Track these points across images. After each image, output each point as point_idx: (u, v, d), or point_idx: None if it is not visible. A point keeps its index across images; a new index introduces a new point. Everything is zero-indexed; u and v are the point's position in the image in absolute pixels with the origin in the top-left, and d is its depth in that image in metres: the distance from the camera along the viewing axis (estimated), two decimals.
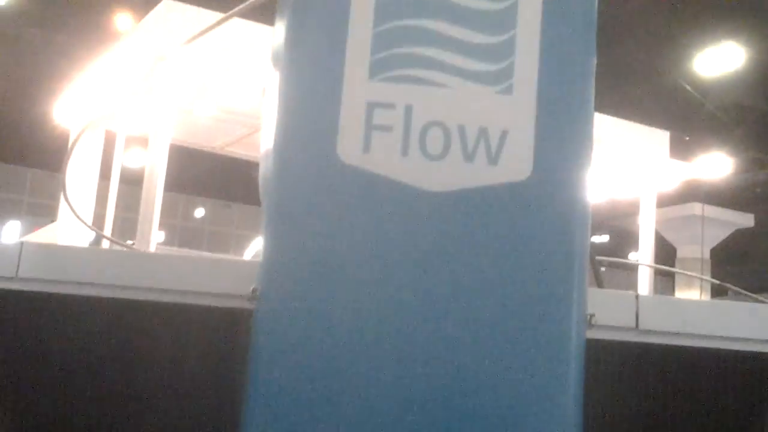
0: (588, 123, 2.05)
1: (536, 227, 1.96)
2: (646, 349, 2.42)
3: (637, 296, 2.43)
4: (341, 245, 1.93)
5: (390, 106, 1.97)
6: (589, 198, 2.00)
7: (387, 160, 1.95)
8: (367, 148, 1.95)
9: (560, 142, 2.01)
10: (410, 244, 1.93)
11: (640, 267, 9.96)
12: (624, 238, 17.43)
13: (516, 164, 1.97)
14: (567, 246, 1.96)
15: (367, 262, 1.92)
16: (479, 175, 1.96)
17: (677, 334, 2.43)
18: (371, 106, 1.97)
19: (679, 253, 17.50)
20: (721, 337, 2.46)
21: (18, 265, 2.40)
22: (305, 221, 1.94)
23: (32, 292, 2.41)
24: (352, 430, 1.86)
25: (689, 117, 15.03)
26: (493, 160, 1.97)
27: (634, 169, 9.79)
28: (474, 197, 1.95)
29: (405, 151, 1.95)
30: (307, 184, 1.95)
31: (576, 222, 1.98)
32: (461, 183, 1.95)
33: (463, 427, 1.87)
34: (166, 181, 6.83)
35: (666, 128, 9.91)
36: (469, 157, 1.96)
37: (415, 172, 1.95)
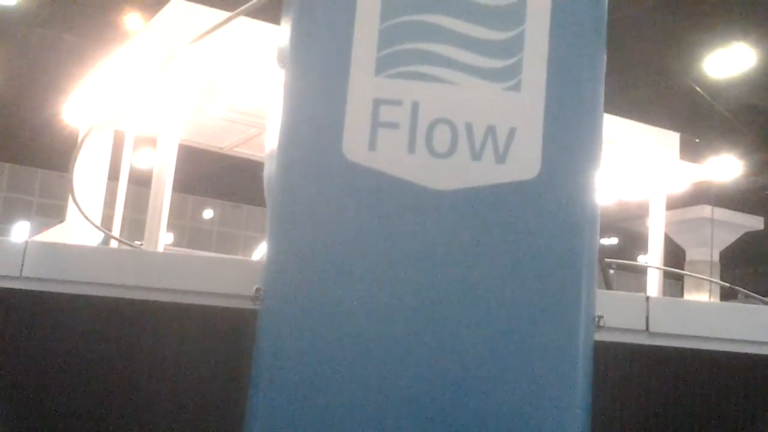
0: (597, 121, 2.02)
1: (544, 227, 1.93)
2: (656, 351, 2.40)
3: (647, 298, 2.40)
4: (346, 244, 1.90)
5: (396, 102, 1.95)
6: (598, 197, 1.97)
7: (393, 158, 1.92)
8: (373, 145, 1.93)
9: (569, 140, 1.98)
10: (416, 243, 1.91)
11: (649, 269, 9.92)
12: (633, 241, 17.39)
13: (524, 163, 1.94)
14: (575, 246, 1.93)
15: (372, 262, 1.90)
16: (486, 173, 1.93)
17: (688, 336, 2.41)
18: (377, 103, 1.95)
19: (689, 256, 17.47)
20: (733, 340, 2.43)
21: (22, 264, 2.39)
22: (309, 220, 1.91)
23: (36, 291, 2.39)
24: (357, 430, 1.83)
25: (699, 119, 14.97)
26: (500, 158, 1.94)
27: (643, 171, 9.74)
28: (481, 196, 1.93)
29: (411, 149, 1.93)
30: (312, 182, 1.93)
31: (584, 222, 1.95)
32: (468, 181, 1.93)
33: (468, 428, 1.84)
34: (174, 181, 6.82)
35: (676, 130, 9.87)
36: (476, 155, 1.94)
37: (422, 170, 1.92)
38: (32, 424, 2.43)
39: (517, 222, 1.93)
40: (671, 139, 9.71)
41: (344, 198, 1.93)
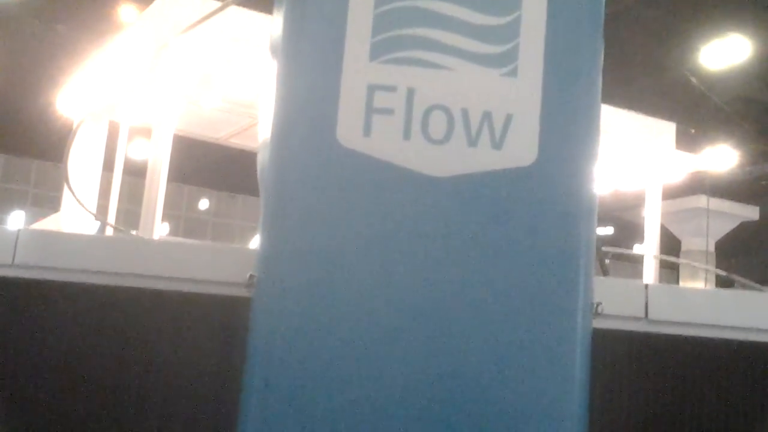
0: (595, 107, 2.00)
1: (541, 213, 1.91)
2: (655, 339, 2.39)
3: (646, 286, 2.39)
4: (340, 231, 1.88)
5: (391, 88, 1.93)
6: (595, 184, 1.95)
7: (388, 144, 1.90)
8: (367, 131, 1.91)
9: (567, 126, 1.96)
10: (411, 231, 1.89)
11: (645, 259, 9.92)
12: (628, 231, 17.38)
13: (521, 149, 1.92)
14: (573, 233, 1.91)
15: (367, 249, 1.88)
16: (483, 159, 1.91)
17: (687, 324, 2.40)
18: (372, 89, 1.92)
19: (684, 246, 17.47)
20: (732, 327, 2.43)
21: (14, 252, 2.37)
22: (303, 207, 1.89)
23: (29, 279, 2.38)
24: (351, 418, 1.82)
25: (695, 110, 14.97)
26: (497, 144, 1.92)
27: (639, 161, 9.75)
28: (478, 182, 1.91)
29: (407, 135, 1.91)
30: (306, 168, 1.91)
31: (582, 208, 1.93)
32: (464, 168, 1.91)
33: (466, 415, 1.83)
34: (170, 172, 6.82)
35: (672, 121, 9.87)
36: (472, 141, 1.92)
37: (417, 156, 1.90)
38: (24, 411, 2.41)
39: (514, 209, 1.91)
40: (667, 129, 9.72)
41: (338, 184, 1.91)
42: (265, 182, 1.97)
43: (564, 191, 1.93)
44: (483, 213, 1.90)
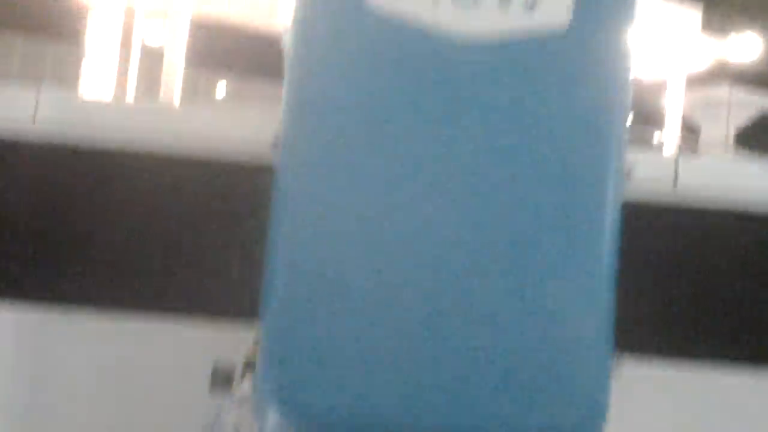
0: None
1: (576, 79, 1.86)
2: (684, 209, 2.37)
3: (676, 156, 2.37)
4: (366, 93, 1.84)
5: None
6: (632, 48, 1.89)
7: (417, 6, 1.84)
8: None
9: None
10: (441, 98, 1.84)
11: (665, 146, 9.91)
12: (647, 118, 17.30)
13: (555, 11, 1.86)
14: (608, 97, 1.87)
15: (393, 112, 1.84)
16: (516, 21, 1.85)
17: (716, 196, 2.37)
18: None
19: (704, 135, 17.38)
20: (760, 200, 2.40)
21: (35, 112, 2.32)
22: (328, 67, 1.85)
23: (49, 142, 2.34)
24: (375, 275, 1.80)
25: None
26: (530, 5, 1.86)
27: (663, 46, 9.64)
28: (511, 47, 1.85)
29: None
30: (332, 30, 1.86)
31: (618, 73, 1.88)
32: (496, 29, 1.85)
33: (493, 282, 1.81)
34: (187, 58, 6.77)
35: (697, 5, 9.76)
36: (504, 2, 1.85)
37: (448, 18, 1.84)
38: (44, 271, 2.40)
39: (549, 73, 1.86)
40: (693, 13, 9.60)
41: (365, 50, 1.86)
42: (289, 45, 1.91)
43: (599, 54, 1.87)
44: (517, 78, 1.85)
